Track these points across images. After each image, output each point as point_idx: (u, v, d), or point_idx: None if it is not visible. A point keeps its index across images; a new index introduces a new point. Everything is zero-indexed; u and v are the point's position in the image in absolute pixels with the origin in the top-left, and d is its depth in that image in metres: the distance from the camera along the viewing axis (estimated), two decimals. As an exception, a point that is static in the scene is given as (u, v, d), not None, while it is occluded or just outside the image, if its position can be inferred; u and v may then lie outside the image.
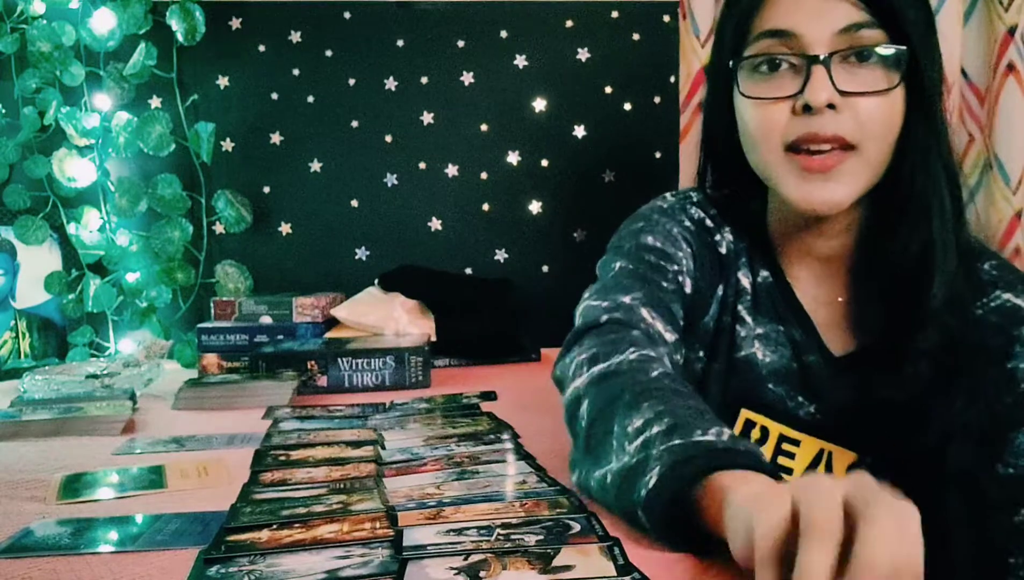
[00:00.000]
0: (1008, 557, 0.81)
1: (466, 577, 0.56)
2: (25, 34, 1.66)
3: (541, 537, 0.62)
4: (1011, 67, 1.41)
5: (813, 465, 0.88)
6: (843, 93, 0.78)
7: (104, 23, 1.67)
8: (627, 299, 0.84)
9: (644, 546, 0.62)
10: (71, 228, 1.72)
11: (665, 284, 0.88)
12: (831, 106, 0.77)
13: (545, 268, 1.87)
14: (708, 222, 0.94)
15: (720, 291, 0.92)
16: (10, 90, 1.70)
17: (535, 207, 1.86)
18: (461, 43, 1.83)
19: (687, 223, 0.94)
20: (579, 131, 1.85)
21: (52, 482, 0.86)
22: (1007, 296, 0.83)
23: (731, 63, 0.84)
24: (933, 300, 0.79)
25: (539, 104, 1.85)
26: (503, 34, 1.83)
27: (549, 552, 0.59)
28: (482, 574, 0.56)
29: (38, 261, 1.72)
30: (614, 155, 1.85)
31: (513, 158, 1.85)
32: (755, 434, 0.90)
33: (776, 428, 0.89)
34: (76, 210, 1.73)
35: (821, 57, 0.77)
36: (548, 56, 1.84)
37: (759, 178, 0.86)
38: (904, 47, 0.78)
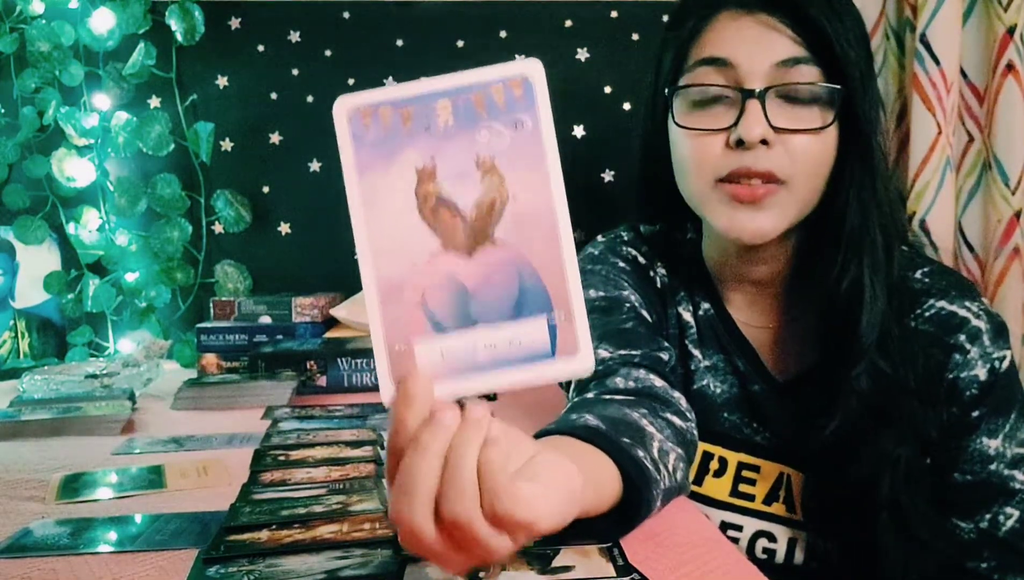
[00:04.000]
0: (979, 563, 0.81)
1: (465, 578, 0.56)
2: (24, 34, 1.65)
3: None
4: (1010, 67, 1.40)
5: (775, 489, 0.88)
6: (777, 129, 0.77)
7: (103, 23, 1.67)
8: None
9: (644, 547, 0.62)
10: (70, 228, 1.71)
11: (623, 318, 0.88)
12: (764, 142, 0.77)
13: (544, 268, 1.87)
14: (641, 259, 0.94)
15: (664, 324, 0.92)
16: (9, 90, 1.69)
17: (534, 207, 1.86)
18: (460, 43, 1.83)
19: (621, 264, 0.94)
20: (578, 131, 1.84)
21: (51, 482, 0.86)
22: (940, 303, 0.82)
23: (667, 91, 0.83)
24: (862, 340, 0.79)
25: (538, 104, 1.84)
26: (503, 34, 1.83)
27: (549, 553, 0.59)
28: (482, 575, 0.56)
29: (37, 261, 1.72)
30: (614, 155, 1.85)
31: (512, 158, 1.85)
32: (714, 465, 0.90)
33: (734, 457, 0.90)
34: (75, 210, 1.72)
35: (756, 91, 0.77)
36: (547, 56, 1.81)
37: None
38: (839, 87, 0.77)
